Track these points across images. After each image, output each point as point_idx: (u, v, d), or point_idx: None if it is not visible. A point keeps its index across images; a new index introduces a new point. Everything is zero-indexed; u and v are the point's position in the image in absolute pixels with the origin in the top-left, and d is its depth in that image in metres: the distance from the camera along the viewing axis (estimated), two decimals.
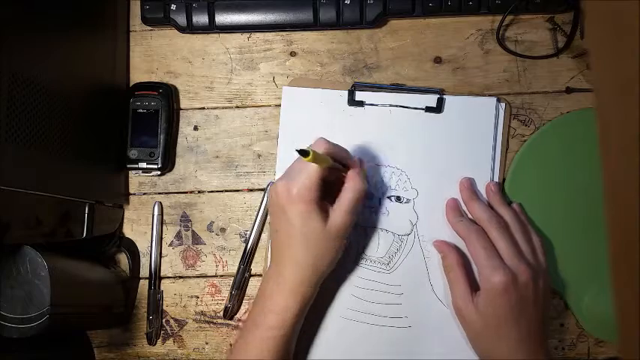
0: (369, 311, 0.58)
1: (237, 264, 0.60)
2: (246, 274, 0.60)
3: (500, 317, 0.51)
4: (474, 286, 0.54)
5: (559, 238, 0.58)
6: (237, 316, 0.60)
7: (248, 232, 0.61)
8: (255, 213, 0.61)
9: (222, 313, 0.60)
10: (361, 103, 0.60)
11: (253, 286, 0.60)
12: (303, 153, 0.45)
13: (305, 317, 0.58)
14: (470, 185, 0.58)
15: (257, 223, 0.60)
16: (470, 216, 0.57)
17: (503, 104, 0.59)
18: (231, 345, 0.60)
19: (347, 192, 0.51)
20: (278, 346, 0.51)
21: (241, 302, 0.60)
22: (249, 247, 0.60)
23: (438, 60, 0.61)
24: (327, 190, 0.52)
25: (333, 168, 0.51)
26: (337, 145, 0.51)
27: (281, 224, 0.51)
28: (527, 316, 0.52)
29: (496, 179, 0.59)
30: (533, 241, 0.55)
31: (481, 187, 0.58)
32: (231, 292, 0.60)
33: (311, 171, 0.49)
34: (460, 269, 0.54)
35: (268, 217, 0.60)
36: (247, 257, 0.60)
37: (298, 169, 0.50)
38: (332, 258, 0.52)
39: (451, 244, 0.57)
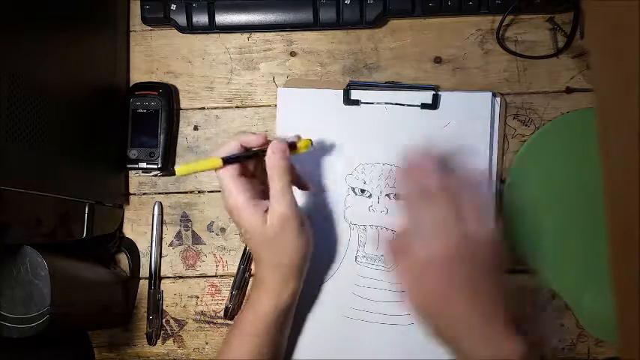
0: (371, 309, 0.58)
1: (237, 264, 0.60)
2: (247, 274, 0.60)
3: (430, 298, 0.47)
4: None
5: (559, 238, 0.58)
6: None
7: None
8: None
9: (222, 313, 0.60)
10: (357, 102, 0.60)
11: None
12: (172, 173, 0.49)
13: (306, 316, 0.58)
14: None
15: None
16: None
17: (498, 99, 0.59)
18: None
19: (270, 180, 0.50)
20: (258, 346, 0.51)
21: (242, 302, 0.60)
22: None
23: (438, 60, 0.61)
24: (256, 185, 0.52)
25: (257, 160, 0.51)
26: (245, 134, 0.51)
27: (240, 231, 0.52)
28: (463, 293, 0.47)
29: (494, 173, 0.59)
30: (467, 208, 0.50)
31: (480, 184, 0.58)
32: (231, 293, 0.60)
33: (221, 180, 0.50)
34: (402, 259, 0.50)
35: None
36: (247, 257, 0.60)
37: (221, 185, 0.50)
38: (295, 250, 0.51)
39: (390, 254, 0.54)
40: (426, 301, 0.48)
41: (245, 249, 0.60)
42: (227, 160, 0.49)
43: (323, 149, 0.60)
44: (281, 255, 0.51)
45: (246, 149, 0.51)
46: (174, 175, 0.48)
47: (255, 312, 0.52)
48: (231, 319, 0.60)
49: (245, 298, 0.60)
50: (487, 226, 0.49)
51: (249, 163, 0.52)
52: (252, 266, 0.60)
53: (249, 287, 0.60)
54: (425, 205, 0.49)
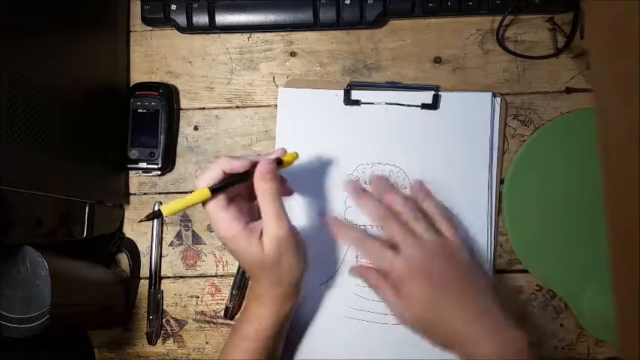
0: (371, 309, 0.58)
1: (238, 264, 0.60)
2: (247, 274, 0.60)
3: (421, 304, 0.49)
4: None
5: (559, 238, 0.58)
6: (238, 316, 0.60)
7: None
8: None
9: (222, 313, 0.60)
10: (357, 102, 0.60)
11: None
12: (156, 215, 0.46)
13: (307, 317, 0.58)
14: (356, 186, 0.57)
15: None
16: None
17: (498, 99, 0.59)
18: None
19: (261, 204, 0.48)
20: (253, 355, 0.51)
21: (242, 302, 0.60)
22: None
23: (437, 60, 0.61)
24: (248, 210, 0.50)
25: (243, 185, 0.49)
26: (227, 159, 0.48)
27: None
28: (449, 292, 0.49)
29: (494, 173, 0.59)
30: (432, 215, 0.54)
31: (480, 184, 0.58)
32: (231, 293, 0.60)
33: (210, 214, 0.47)
34: (384, 281, 0.52)
35: None
36: None
37: (209, 215, 0.48)
38: (295, 269, 0.50)
39: (364, 265, 0.56)
40: (417, 311, 0.50)
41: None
42: (214, 190, 0.47)
43: (323, 149, 0.60)
44: (281, 276, 0.50)
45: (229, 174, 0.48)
46: (160, 216, 0.45)
47: (256, 327, 0.51)
48: (232, 318, 0.60)
49: (242, 306, 0.60)
50: (456, 230, 0.54)
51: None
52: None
53: (248, 289, 0.61)
54: (393, 220, 0.52)
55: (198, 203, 0.47)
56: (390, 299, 0.52)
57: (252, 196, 0.50)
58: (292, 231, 0.49)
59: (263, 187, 0.48)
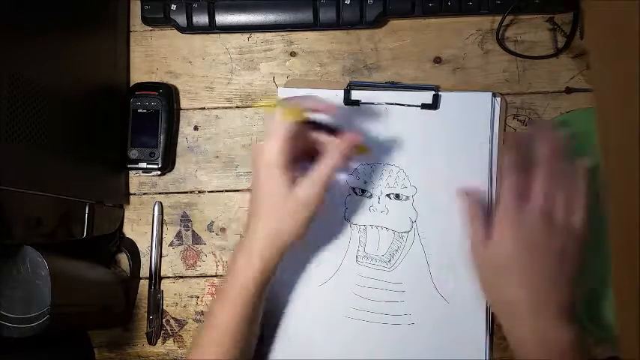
0: (372, 310, 0.58)
1: None
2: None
3: (508, 256, 0.50)
4: (489, 234, 0.52)
5: None
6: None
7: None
8: None
9: None
10: (357, 102, 0.60)
11: None
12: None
13: (307, 317, 0.58)
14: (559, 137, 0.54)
15: None
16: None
17: (498, 99, 0.59)
18: None
19: (320, 164, 0.50)
20: (242, 304, 0.51)
21: None
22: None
23: (437, 60, 0.61)
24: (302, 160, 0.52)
25: (316, 140, 0.51)
26: (329, 105, 0.50)
27: (253, 184, 0.52)
28: (536, 264, 0.50)
29: (494, 174, 0.59)
30: (574, 202, 0.53)
31: (480, 184, 0.58)
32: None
33: (280, 135, 0.49)
34: (479, 210, 0.53)
35: None
36: None
37: (271, 131, 0.50)
38: (295, 227, 0.51)
39: (475, 190, 0.56)
40: (506, 255, 0.51)
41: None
42: (308, 122, 0.48)
43: None
44: (285, 225, 0.50)
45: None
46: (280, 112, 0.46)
47: (237, 272, 0.51)
48: None
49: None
50: (577, 220, 0.52)
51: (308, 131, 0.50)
52: None
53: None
54: (546, 177, 0.51)
55: (290, 118, 0.48)
56: (471, 230, 0.53)
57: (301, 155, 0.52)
58: (320, 201, 0.50)
59: (341, 146, 0.50)
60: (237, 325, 0.51)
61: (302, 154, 0.53)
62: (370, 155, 0.58)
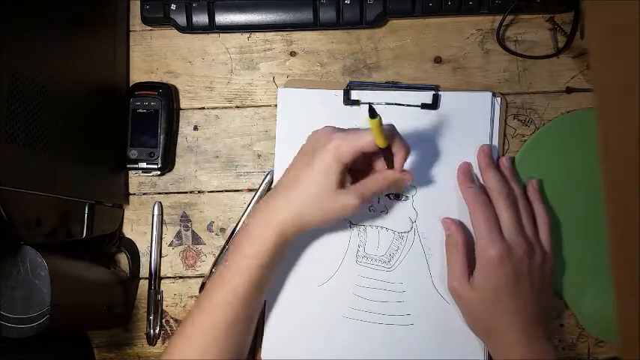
0: (371, 310, 0.58)
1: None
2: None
3: (495, 290, 0.52)
4: (471, 269, 0.54)
5: (559, 237, 0.58)
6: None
7: (241, 214, 0.61)
8: (252, 197, 0.61)
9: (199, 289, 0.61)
10: (357, 102, 0.60)
11: None
12: (372, 113, 0.44)
13: (307, 317, 0.58)
14: (490, 152, 0.58)
15: (252, 204, 0.61)
16: (481, 182, 0.57)
17: (498, 98, 0.59)
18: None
19: (368, 182, 0.51)
20: (253, 276, 0.51)
21: None
22: (237, 229, 0.60)
23: (438, 60, 0.61)
24: (355, 173, 0.52)
25: (376, 157, 0.51)
26: (405, 144, 0.50)
27: (301, 165, 0.51)
28: (523, 291, 0.52)
29: None
30: (539, 220, 0.56)
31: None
32: (211, 270, 0.60)
33: (360, 140, 0.48)
34: (462, 249, 0.55)
35: None
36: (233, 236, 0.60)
37: (353, 131, 0.50)
38: (320, 219, 0.51)
39: (460, 224, 0.57)
40: (474, 295, 0.53)
41: (234, 230, 0.60)
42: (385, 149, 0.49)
43: None
44: (311, 213, 0.51)
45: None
46: (375, 118, 0.44)
47: (252, 243, 0.51)
48: None
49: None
50: (545, 238, 0.55)
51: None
52: None
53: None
54: (506, 203, 0.54)
55: (376, 144, 0.48)
56: (457, 272, 0.54)
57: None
58: (350, 214, 0.51)
59: (393, 177, 0.51)
60: (245, 291, 0.51)
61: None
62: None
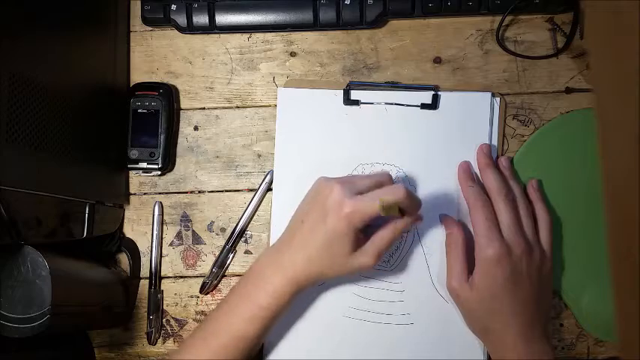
0: (371, 309, 0.58)
1: (236, 264, 0.60)
2: (230, 255, 0.60)
3: (494, 289, 0.52)
4: (470, 269, 0.54)
5: (559, 237, 0.58)
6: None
7: (241, 214, 0.61)
8: (251, 196, 0.61)
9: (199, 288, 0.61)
10: (357, 102, 0.60)
11: (238, 265, 0.60)
12: (385, 211, 0.47)
13: (306, 316, 0.58)
14: (489, 151, 0.58)
15: (252, 204, 0.61)
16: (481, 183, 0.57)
17: (498, 99, 0.59)
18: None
19: (388, 232, 0.51)
20: (264, 325, 0.51)
21: (220, 280, 0.61)
22: (238, 229, 0.60)
23: (437, 60, 0.61)
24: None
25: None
26: (414, 197, 0.50)
27: (313, 222, 0.51)
28: (522, 291, 0.52)
29: None
30: (539, 219, 0.56)
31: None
32: (212, 270, 0.60)
33: (374, 207, 0.48)
34: (462, 248, 0.55)
35: (264, 202, 0.60)
36: (235, 238, 0.60)
37: (363, 189, 0.50)
38: (338, 275, 0.52)
39: (461, 223, 0.57)
40: (474, 296, 0.53)
41: (233, 231, 0.60)
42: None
43: (323, 149, 0.60)
44: (330, 272, 0.51)
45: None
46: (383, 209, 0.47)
47: (272, 296, 0.51)
48: (207, 294, 0.61)
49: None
50: (545, 238, 0.55)
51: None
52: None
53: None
54: (504, 206, 0.54)
55: (389, 213, 0.48)
56: (455, 271, 0.54)
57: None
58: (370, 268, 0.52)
59: (404, 224, 0.51)
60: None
61: None
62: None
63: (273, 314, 0.51)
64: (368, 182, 0.51)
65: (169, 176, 0.62)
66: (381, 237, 0.51)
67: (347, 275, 0.52)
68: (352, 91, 0.60)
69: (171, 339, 0.61)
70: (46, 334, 0.47)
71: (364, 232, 0.51)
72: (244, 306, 0.52)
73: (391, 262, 0.58)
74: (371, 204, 0.48)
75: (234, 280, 0.61)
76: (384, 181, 0.52)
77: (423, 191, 0.59)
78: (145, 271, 0.62)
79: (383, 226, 0.51)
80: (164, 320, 0.61)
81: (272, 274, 0.51)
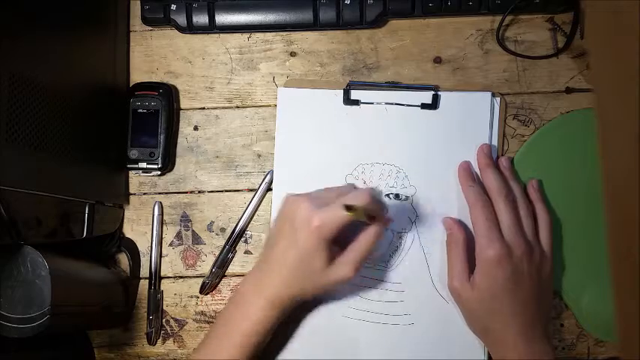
0: (371, 309, 0.58)
1: (222, 246, 0.60)
2: (230, 255, 0.60)
3: (494, 290, 0.52)
4: (471, 268, 0.54)
5: (559, 237, 0.58)
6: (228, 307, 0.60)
7: (241, 214, 0.61)
8: (251, 196, 0.61)
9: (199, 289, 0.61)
10: (357, 102, 0.60)
11: (238, 265, 0.60)
12: (348, 209, 0.46)
13: (306, 317, 0.58)
14: (489, 151, 0.58)
15: (252, 204, 0.61)
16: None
17: (498, 99, 0.59)
18: None
19: (363, 241, 0.51)
20: (250, 351, 0.52)
21: (220, 280, 0.61)
22: (238, 229, 0.60)
23: (437, 60, 0.61)
24: (342, 233, 0.51)
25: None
26: (378, 200, 0.50)
27: (284, 242, 0.51)
28: (522, 291, 0.52)
29: None
30: (539, 219, 0.56)
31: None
32: (211, 270, 0.60)
33: (341, 216, 0.48)
34: (463, 248, 0.55)
35: (264, 201, 0.60)
36: (234, 238, 0.60)
37: (330, 201, 0.49)
38: (320, 292, 0.52)
39: (462, 223, 0.57)
40: (474, 295, 0.53)
41: (233, 231, 0.60)
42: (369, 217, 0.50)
43: (323, 149, 0.60)
44: (309, 292, 0.52)
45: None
46: (351, 211, 0.47)
47: (255, 322, 0.52)
48: (206, 294, 0.61)
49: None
50: (545, 238, 0.55)
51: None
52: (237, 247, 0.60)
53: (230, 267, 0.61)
54: (504, 206, 0.54)
55: (355, 219, 0.48)
56: (456, 271, 0.54)
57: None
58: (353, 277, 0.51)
59: (373, 235, 0.51)
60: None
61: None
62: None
63: (258, 339, 0.52)
64: (334, 194, 0.51)
65: (169, 176, 0.62)
66: (356, 246, 0.51)
67: (330, 289, 0.52)
68: (352, 91, 0.60)
69: (171, 339, 0.61)
70: (45, 334, 0.47)
71: (340, 245, 0.51)
72: (228, 333, 0.52)
73: (391, 262, 0.58)
74: (337, 212, 0.48)
75: (234, 280, 0.61)
76: (348, 190, 0.52)
77: (423, 191, 0.59)
78: (144, 271, 0.62)
79: (356, 236, 0.52)
80: (164, 320, 0.61)
81: (255, 299, 0.52)
